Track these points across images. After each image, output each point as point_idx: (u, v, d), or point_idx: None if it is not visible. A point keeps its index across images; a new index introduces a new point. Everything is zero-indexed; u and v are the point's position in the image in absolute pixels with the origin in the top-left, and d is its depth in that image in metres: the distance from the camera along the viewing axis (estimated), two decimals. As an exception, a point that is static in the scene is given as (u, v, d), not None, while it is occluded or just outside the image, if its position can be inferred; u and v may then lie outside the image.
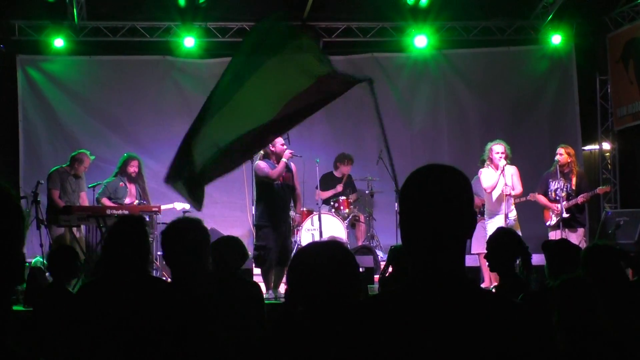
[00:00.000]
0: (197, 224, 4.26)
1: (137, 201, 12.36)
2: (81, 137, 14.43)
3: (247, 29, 15.17)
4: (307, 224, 13.00)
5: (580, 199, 11.89)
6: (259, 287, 6.70)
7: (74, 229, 11.77)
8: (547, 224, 12.12)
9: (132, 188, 12.57)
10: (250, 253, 9.13)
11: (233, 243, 6.45)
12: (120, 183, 12.50)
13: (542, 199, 12.15)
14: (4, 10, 14.24)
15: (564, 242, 6.66)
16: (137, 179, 12.62)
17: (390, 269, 7.11)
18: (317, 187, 13.53)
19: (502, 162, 11.57)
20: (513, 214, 11.74)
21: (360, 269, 5.21)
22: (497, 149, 11.67)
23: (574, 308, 4.22)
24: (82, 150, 12.52)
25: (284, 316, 3.37)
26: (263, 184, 11.04)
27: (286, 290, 3.44)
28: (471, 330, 2.25)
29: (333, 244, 3.63)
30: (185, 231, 4.19)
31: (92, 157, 12.49)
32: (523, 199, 12.19)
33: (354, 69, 15.74)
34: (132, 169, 12.52)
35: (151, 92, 15.22)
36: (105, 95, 15.11)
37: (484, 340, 2.24)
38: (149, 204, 12.35)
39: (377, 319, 2.33)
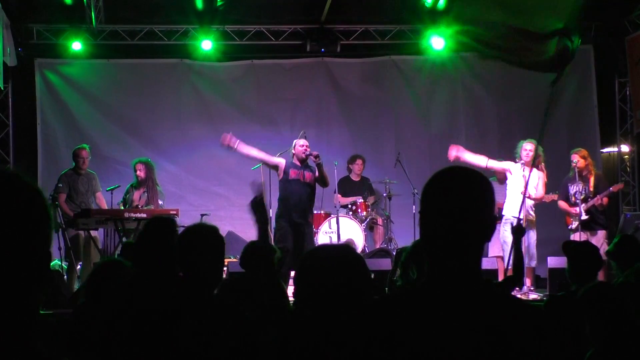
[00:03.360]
0: (214, 231, 4.24)
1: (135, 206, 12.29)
2: (99, 140, 14.45)
3: (265, 31, 15.21)
4: (324, 226, 13.03)
5: (597, 200, 11.84)
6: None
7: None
8: (569, 227, 12.09)
9: (136, 194, 12.50)
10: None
11: (262, 249, 6.47)
12: (130, 189, 12.50)
13: (562, 204, 12.13)
14: (23, 14, 14.29)
15: (585, 243, 6.63)
16: (146, 183, 12.54)
17: (398, 271, 7.10)
18: (335, 191, 13.51)
19: (521, 164, 11.63)
20: (530, 217, 11.72)
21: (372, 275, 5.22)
22: (527, 146, 11.67)
23: (603, 316, 4.19)
24: (77, 147, 12.51)
25: (293, 320, 3.37)
26: (282, 184, 11.20)
27: (294, 293, 3.43)
28: (485, 331, 2.25)
29: (343, 247, 3.63)
30: (203, 237, 4.16)
31: (85, 146, 12.45)
32: (544, 199, 12.12)
33: (372, 71, 15.79)
34: (138, 172, 12.46)
35: (169, 95, 15.26)
36: (123, 99, 15.16)
37: (498, 341, 2.24)
38: (155, 207, 12.24)
39: (393, 317, 2.34)
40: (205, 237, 4.16)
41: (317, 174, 11.32)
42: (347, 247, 3.61)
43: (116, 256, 10.36)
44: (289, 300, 6.66)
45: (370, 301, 3.20)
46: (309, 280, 3.31)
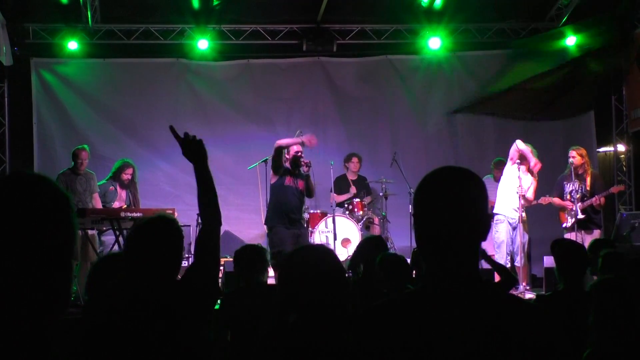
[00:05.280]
0: (172, 223, 4.12)
1: (125, 205, 12.32)
2: (95, 140, 14.41)
3: (261, 31, 15.20)
4: (321, 226, 13.02)
5: (595, 200, 11.87)
6: None
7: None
8: (563, 225, 12.12)
9: (122, 193, 12.59)
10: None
11: (254, 253, 6.45)
12: (110, 187, 12.54)
13: (557, 200, 12.15)
14: (19, 13, 14.27)
15: (571, 243, 6.65)
16: (129, 186, 12.63)
17: (414, 272, 7.09)
18: (331, 190, 13.51)
19: (515, 165, 11.72)
20: (523, 214, 11.79)
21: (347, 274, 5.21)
22: (521, 146, 11.83)
23: (610, 308, 4.17)
24: (77, 147, 12.53)
25: (277, 323, 3.37)
26: (274, 188, 11.21)
27: (278, 297, 3.43)
28: (486, 331, 2.25)
29: (319, 249, 3.63)
30: (156, 231, 4.00)
31: (85, 147, 12.46)
32: (534, 202, 12.18)
33: (368, 71, 15.78)
34: (126, 175, 12.53)
35: (165, 95, 15.24)
36: (119, 98, 15.13)
37: (498, 340, 2.24)
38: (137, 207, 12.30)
39: (393, 320, 2.34)
40: (158, 231, 4.04)
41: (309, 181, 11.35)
42: (323, 249, 3.62)
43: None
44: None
45: (349, 302, 3.22)
46: (288, 284, 3.32)
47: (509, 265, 11.90)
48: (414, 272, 6.95)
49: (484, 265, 11.83)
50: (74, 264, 9.59)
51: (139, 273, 3.91)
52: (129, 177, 12.54)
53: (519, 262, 11.72)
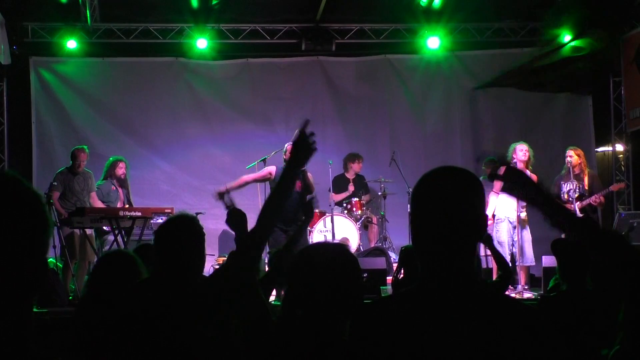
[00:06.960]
0: (192, 221, 4.21)
1: (126, 206, 12.32)
2: (93, 139, 14.42)
3: (260, 30, 15.20)
4: (319, 225, 13.02)
5: (594, 198, 11.86)
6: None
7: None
8: (562, 225, 12.10)
9: (121, 192, 12.58)
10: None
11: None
12: (112, 187, 12.50)
13: (555, 202, 12.14)
14: (18, 12, 14.26)
15: (573, 242, 6.63)
16: (124, 183, 12.62)
17: (402, 271, 7.06)
18: (329, 190, 13.50)
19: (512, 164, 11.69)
20: (523, 214, 11.78)
21: (365, 275, 5.18)
22: (523, 146, 11.83)
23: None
24: (76, 147, 12.52)
25: (282, 320, 3.36)
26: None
27: (285, 291, 3.42)
28: (480, 332, 2.25)
29: (338, 247, 3.62)
30: (180, 229, 4.13)
31: (85, 147, 12.47)
32: None
33: (367, 70, 15.79)
34: (121, 170, 12.51)
35: (164, 94, 15.24)
36: (118, 97, 15.13)
37: (493, 342, 2.24)
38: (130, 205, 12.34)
39: (387, 319, 2.34)
40: (189, 226, 4.14)
41: (309, 180, 11.41)
42: (341, 247, 3.60)
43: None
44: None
45: (361, 302, 3.21)
46: (301, 279, 3.31)
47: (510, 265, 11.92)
48: (402, 270, 6.92)
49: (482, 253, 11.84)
50: (72, 263, 9.62)
51: (170, 270, 3.98)
52: (124, 171, 12.51)
53: (520, 261, 11.71)
